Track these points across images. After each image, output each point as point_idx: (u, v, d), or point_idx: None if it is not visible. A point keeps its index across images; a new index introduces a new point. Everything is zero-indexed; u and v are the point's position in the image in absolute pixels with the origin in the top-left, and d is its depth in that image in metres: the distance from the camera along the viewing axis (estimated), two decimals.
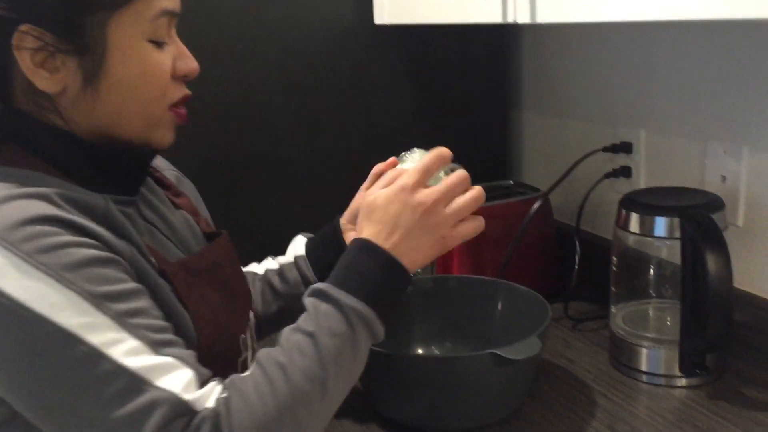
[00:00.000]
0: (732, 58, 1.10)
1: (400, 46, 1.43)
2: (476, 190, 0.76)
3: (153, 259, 0.69)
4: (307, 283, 0.95)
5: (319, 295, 0.70)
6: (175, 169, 0.92)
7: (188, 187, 0.92)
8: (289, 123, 1.37)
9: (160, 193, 0.82)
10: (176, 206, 0.83)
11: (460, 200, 0.75)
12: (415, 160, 0.86)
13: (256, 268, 1.01)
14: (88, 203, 0.65)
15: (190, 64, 0.73)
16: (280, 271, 0.97)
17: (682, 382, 1.05)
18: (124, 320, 0.60)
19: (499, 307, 1.12)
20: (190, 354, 0.64)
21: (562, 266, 1.37)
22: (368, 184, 0.92)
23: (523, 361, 0.92)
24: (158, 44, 0.70)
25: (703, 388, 1.04)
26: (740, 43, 1.08)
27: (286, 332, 0.68)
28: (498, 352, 0.91)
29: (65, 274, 0.59)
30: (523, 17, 0.98)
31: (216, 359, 0.69)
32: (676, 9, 0.76)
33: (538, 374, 1.07)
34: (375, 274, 0.71)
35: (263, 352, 0.67)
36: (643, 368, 1.08)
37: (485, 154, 1.56)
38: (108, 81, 0.67)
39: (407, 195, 0.73)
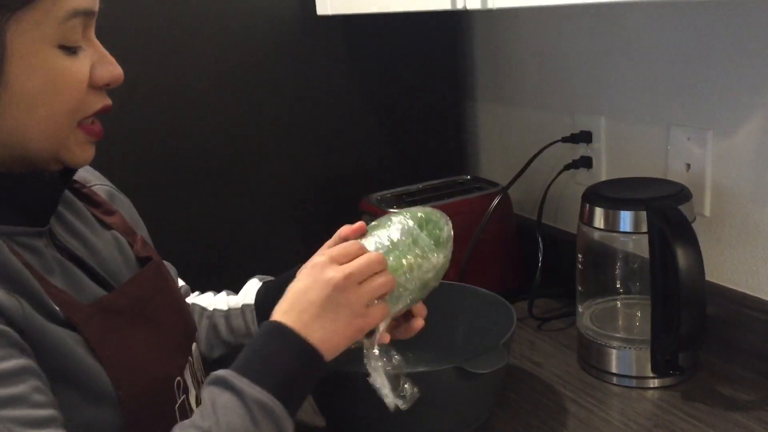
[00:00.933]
0: (694, 40, 1.05)
1: (345, 37, 1.36)
2: (389, 276, 0.72)
3: (57, 308, 0.60)
4: (250, 335, 0.87)
5: (219, 383, 0.62)
6: (107, 183, 0.83)
7: (123, 203, 0.83)
8: (228, 119, 1.29)
9: (85, 213, 0.73)
10: (107, 226, 0.75)
11: (375, 282, 0.71)
12: (384, 225, 0.78)
13: (207, 300, 0.93)
14: None
15: (112, 70, 0.64)
16: (227, 316, 0.89)
17: (655, 382, 1.00)
18: None
19: (462, 312, 1.06)
20: None
21: (525, 263, 1.32)
22: (331, 243, 0.80)
23: (489, 373, 0.86)
24: (70, 50, 0.60)
25: (676, 388, 0.99)
26: (703, 23, 1.03)
27: (180, 426, 0.60)
28: (463, 366, 0.85)
29: None
30: (473, 3, 0.91)
31: (144, 410, 0.62)
32: None
33: (504, 381, 1.01)
34: (284, 360, 0.64)
35: None
36: (614, 370, 1.02)
37: (440, 148, 1.50)
38: (8, 93, 0.58)
39: (317, 271, 0.69)
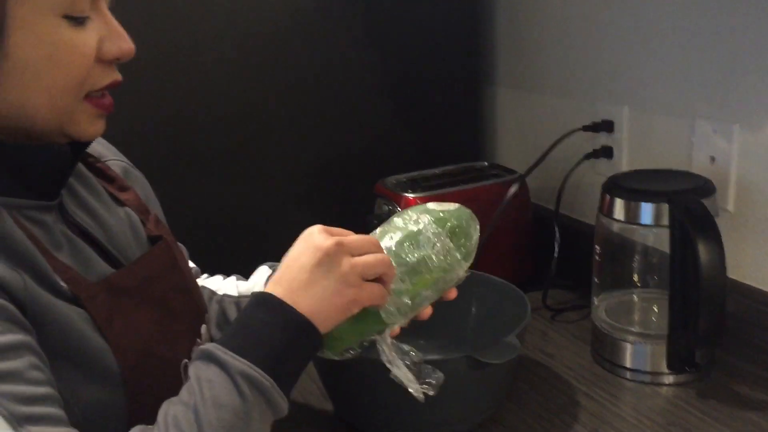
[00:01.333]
0: (721, 30, 1.01)
1: (363, 17, 1.33)
2: (385, 256, 0.68)
3: (63, 284, 0.58)
4: None
5: (204, 357, 0.59)
6: (123, 158, 0.81)
7: (137, 180, 0.81)
8: (242, 99, 1.27)
9: (98, 188, 0.71)
10: (120, 203, 0.73)
11: (369, 256, 0.67)
12: (409, 229, 0.73)
13: (217, 284, 0.91)
14: None
15: (122, 45, 0.61)
16: (237, 302, 0.87)
17: (670, 379, 0.98)
18: None
19: (475, 301, 1.04)
20: None
21: (541, 253, 1.30)
22: None
23: (500, 364, 0.84)
24: (77, 20, 0.58)
25: (692, 385, 0.97)
26: (730, 14, 1.00)
27: (165, 407, 0.58)
28: (474, 356, 0.83)
29: None
30: None
31: (150, 391, 0.60)
32: None
33: (516, 372, 0.99)
34: (270, 332, 0.61)
35: (137, 429, 0.56)
36: (628, 364, 1.01)
37: (457, 134, 1.47)
38: (9, 64, 0.56)
39: (309, 237, 0.66)
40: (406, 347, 0.73)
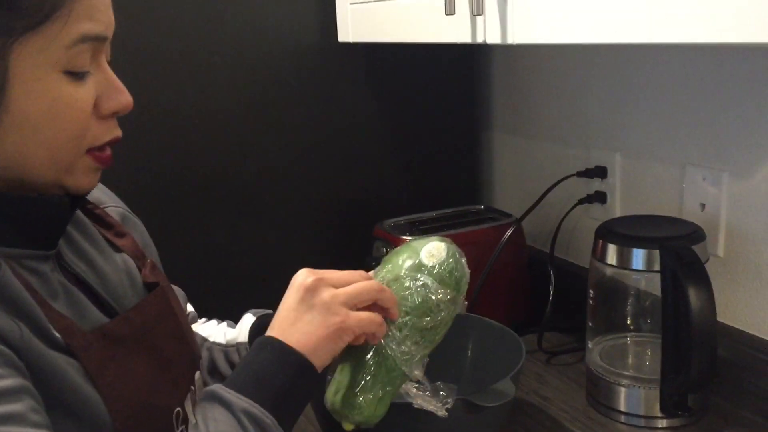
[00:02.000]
0: (711, 81, 1.05)
1: (365, 65, 1.37)
2: (372, 283, 0.71)
3: (57, 335, 0.59)
4: None
5: (209, 398, 0.62)
6: (122, 204, 0.83)
7: (135, 226, 0.82)
8: (247, 144, 1.30)
9: (96, 235, 0.72)
10: (117, 248, 0.75)
11: (352, 285, 0.70)
12: (405, 286, 0.75)
13: (209, 330, 0.92)
14: None
15: (121, 99, 0.62)
16: (225, 350, 0.89)
17: (663, 423, 0.99)
18: None
19: (471, 343, 1.06)
20: None
21: (536, 296, 1.31)
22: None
23: (496, 407, 0.85)
24: (77, 75, 0.58)
25: (685, 429, 0.99)
26: (720, 65, 1.03)
27: None
28: (469, 398, 0.84)
29: None
30: (493, 38, 0.92)
31: None
32: (652, 33, 0.70)
33: (511, 415, 1.00)
34: (269, 370, 0.63)
35: None
36: (622, 408, 1.02)
37: (455, 178, 1.50)
38: (9, 118, 0.56)
39: (294, 279, 0.70)
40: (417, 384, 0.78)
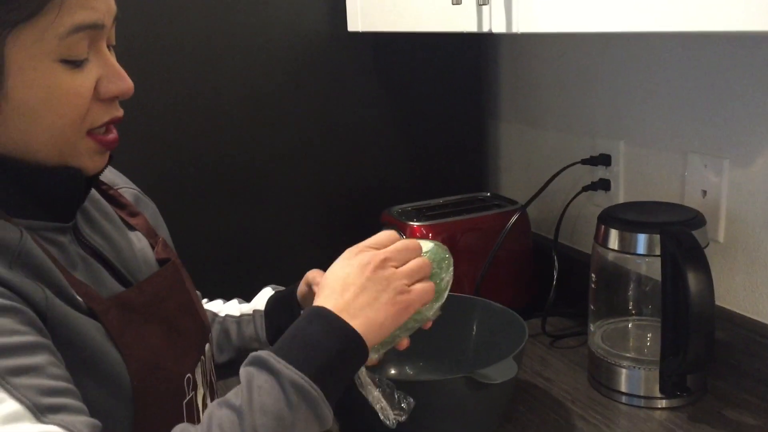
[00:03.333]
0: (712, 70, 1.07)
1: (374, 54, 1.40)
2: (424, 259, 0.73)
3: (79, 298, 0.62)
4: (259, 341, 0.89)
5: (257, 363, 0.62)
6: (134, 186, 0.86)
7: (147, 207, 0.86)
8: (258, 132, 1.33)
9: (111, 213, 0.76)
10: (130, 227, 0.78)
11: (412, 262, 0.72)
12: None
13: (218, 307, 0.95)
14: None
15: (121, 84, 0.64)
16: (239, 321, 0.91)
17: (663, 403, 1.02)
18: (6, 378, 0.52)
19: (475, 325, 1.09)
20: (84, 422, 0.54)
21: (541, 281, 1.34)
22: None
23: (498, 385, 0.88)
24: (75, 63, 0.60)
25: (684, 409, 1.01)
26: (721, 55, 1.05)
27: (211, 407, 0.61)
28: (473, 376, 0.87)
29: None
30: (498, 27, 0.94)
31: (155, 402, 0.64)
32: (655, 21, 0.73)
33: (514, 395, 1.03)
34: (323, 344, 0.63)
35: (179, 428, 0.59)
36: (623, 389, 1.04)
37: (462, 165, 1.53)
38: (9, 106, 0.59)
39: (352, 256, 0.70)
40: (378, 377, 0.76)
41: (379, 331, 0.67)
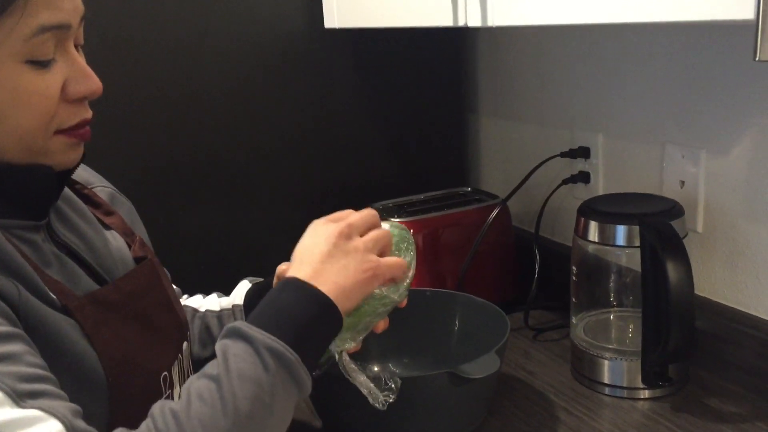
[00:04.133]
0: (689, 61, 1.07)
1: (353, 51, 1.39)
2: (385, 230, 0.75)
3: (53, 296, 0.61)
4: None
5: (231, 334, 0.62)
6: (109, 185, 0.85)
7: (123, 205, 0.85)
8: (236, 130, 1.32)
9: (85, 211, 0.75)
10: (106, 226, 0.77)
11: (373, 231, 0.74)
12: None
13: (198, 302, 0.95)
14: None
15: (89, 85, 0.63)
16: (219, 316, 0.91)
17: (645, 394, 1.02)
18: None
19: (458, 320, 1.09)
20: (65, 405, 0.54)
21: (522, 274, 1.34)
22: None
23: (481, 379, 0.88)
24: (41, 64, 0.60)
25: (666, 399, 1.02)
26: (697, 45, 1.06)
27: (189, 381, 0.61)
28: (456, 371, 0.87)
29: None
30: (474, 20, 0.94)
31: (130, 399, 0.63)
32: (629, 12, 0.73)
33: (498, 388, 1.03)
34: (295, 310, 0.64)
35: (158, 404, 0.59)
36: (606, 380, 1.05)
37: (441, 160, 1.53)
38: None
39: (319, 227, 0.72)
40: (362, 365, 0.78)
41: (349, 296, 0.68)
